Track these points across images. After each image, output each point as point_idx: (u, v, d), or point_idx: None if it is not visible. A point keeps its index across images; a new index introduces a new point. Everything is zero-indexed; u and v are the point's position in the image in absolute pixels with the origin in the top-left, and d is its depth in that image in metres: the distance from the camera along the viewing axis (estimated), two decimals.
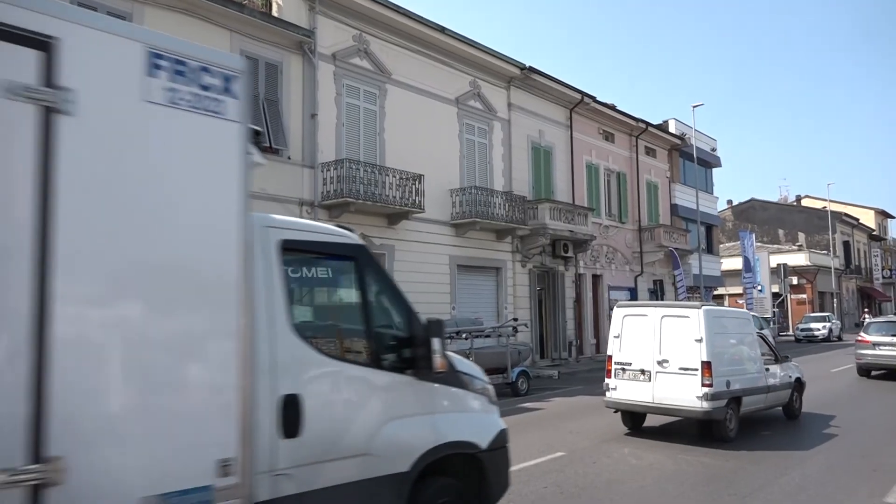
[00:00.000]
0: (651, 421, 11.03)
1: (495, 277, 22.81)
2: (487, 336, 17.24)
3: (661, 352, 10.14)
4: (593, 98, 26.68)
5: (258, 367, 3.64)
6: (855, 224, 62.09)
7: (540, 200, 23.36)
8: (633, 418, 10.95)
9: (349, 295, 4.75)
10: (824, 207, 53.03)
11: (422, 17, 19.48)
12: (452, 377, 4.95)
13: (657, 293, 31.85)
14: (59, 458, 2.84)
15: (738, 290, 39.40)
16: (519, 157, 23.81)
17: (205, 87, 3.47)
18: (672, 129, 33.82)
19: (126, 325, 3.12)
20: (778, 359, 11.98)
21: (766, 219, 59.04)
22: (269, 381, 3.72)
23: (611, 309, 24.36)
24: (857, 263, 61.67)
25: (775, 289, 40.59)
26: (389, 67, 19.05)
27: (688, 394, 9.78)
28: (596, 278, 27.61)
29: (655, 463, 8.66)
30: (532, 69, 23.38)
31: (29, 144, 2.80)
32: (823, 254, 51.76)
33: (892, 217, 78.54)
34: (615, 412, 10.85)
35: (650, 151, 32.29)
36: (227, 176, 3.54)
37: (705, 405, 9.66)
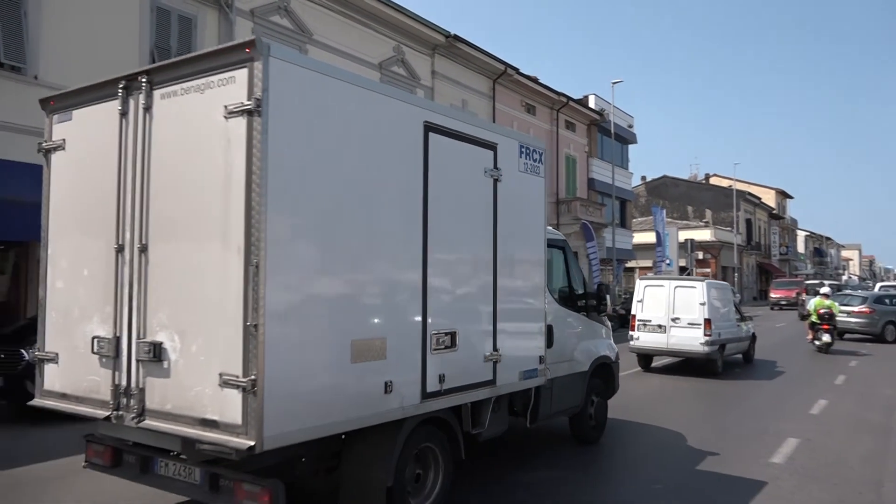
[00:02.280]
0: (657, 362, 15.76)
1: None
2: None
3: (674, 311, 14.58)
4: (517, 70, 26.93)
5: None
6: (757, 203, 65.72)
7: None
8: (647, 360, 15.47)
9: (562, 270, 7.95)
10: (730, 186, 55.87)
11: None
12: (600, 318, 8.48)
13: None
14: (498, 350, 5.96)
15: (649, 263, 41.12)
16: None
17: (534, 161, 6.63)
18: (592, 104, 34.63)
19: (493, 290, 6.03)
20: (743, 318, 16.54)
21: (676, 195, 61.56)
22: (545, 318, 6.65)
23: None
24: (757, 240, 65.48)
25: (682, 263, 42.50)
26: (311, 27, 18.59)
27: (694, 341, 14.22)
28: None
29: (665, 386, 13.31)
30: (457, 37, 23.36)
31: (490, 196, 5.94)
32: (728, 230, 54.58)
33: (790, 197, 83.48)
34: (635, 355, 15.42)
35: (570, 126, 32.94)
36: (540, 206, 6.76)
37: (706, 349, 14.23)
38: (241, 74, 4.00)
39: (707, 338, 14.10)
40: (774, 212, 72.85)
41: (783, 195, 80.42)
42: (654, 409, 10.70)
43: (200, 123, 4.23)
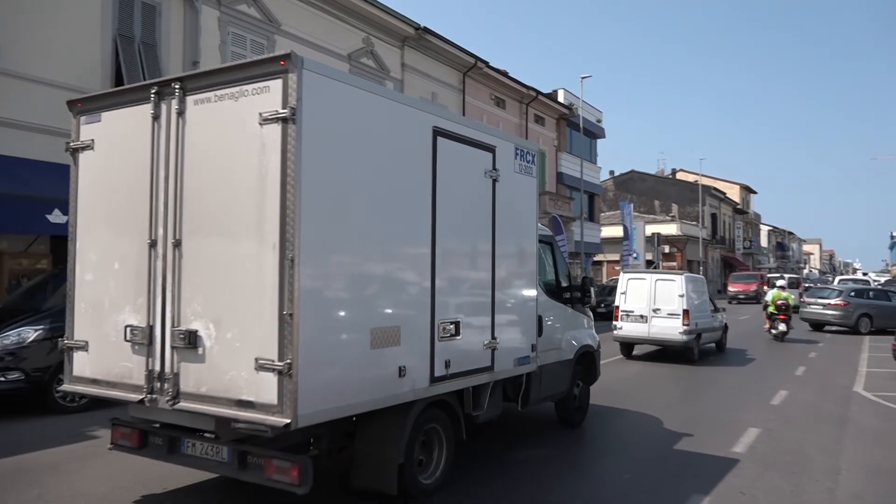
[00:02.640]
0: (637, 351, 17.03)
1: None
2: None
3: (655, 303, 15.73)
4: (486, 63, 27.01)
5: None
6: (722, 198, 66.95)
7: None
8: (629, 348, 16.74)
9: (549, 264, 8.50)
10: (696, 181, 56.70)
11: None
12: (584, 309, 9.10)
13: None
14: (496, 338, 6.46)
15: (616, 256, 41.66)
16: None
17: (528, 162, 7.19)
18: (561, 98, 34.93)
19: (492, 283, 6.54)
20: (717, 310, 17.75)
21: (644, 190, 62.42)
22: (536, 309, 7.25)
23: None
24: (722, 234, 66.76)
25: (649, 256, 43.10)
26: (279, 17, 18.44)
27: (673, 330, 15.44)
28: None
29: (647, 371, 14.64)
30: (427, 30, 23.37)
31: (489, 195, 6.42)
32: (693, 224, 55.52)
33: (754, 192, 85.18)
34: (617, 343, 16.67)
35: (539, 120, 33.14)
36: (533, 204, 7.38)
37: (684, 337, 15.43)
38: (276, 85, 4.44)
39: (685, 327, 15.39)
40: (739, 207, 74.41)
41: (747, 190, 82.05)
42: (634, 394, 11.44)
43: (234, 128, 4.65)
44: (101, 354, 5.29)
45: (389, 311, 5.18)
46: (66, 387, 5.60)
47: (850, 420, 9.76)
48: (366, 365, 4.92)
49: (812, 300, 25.52)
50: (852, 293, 24.93)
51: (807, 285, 41.73)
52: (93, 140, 5.48)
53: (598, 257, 42.38)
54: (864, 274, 68.62)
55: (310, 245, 4.39)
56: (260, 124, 4.47)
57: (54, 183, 12.61)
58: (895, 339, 14.60)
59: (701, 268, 54.73)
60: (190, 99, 4.90)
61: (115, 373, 5.17)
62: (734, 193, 74.31)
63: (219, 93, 4.74)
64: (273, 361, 4.31)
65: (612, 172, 64.67)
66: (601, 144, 45.14)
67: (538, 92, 32.28)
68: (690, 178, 62.75)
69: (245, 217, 4.54)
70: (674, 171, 70.38)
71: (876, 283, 38.58)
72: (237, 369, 4.48)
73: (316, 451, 5.32)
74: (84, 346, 5.41)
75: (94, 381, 5.32)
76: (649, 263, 43.05)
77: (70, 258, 5.59)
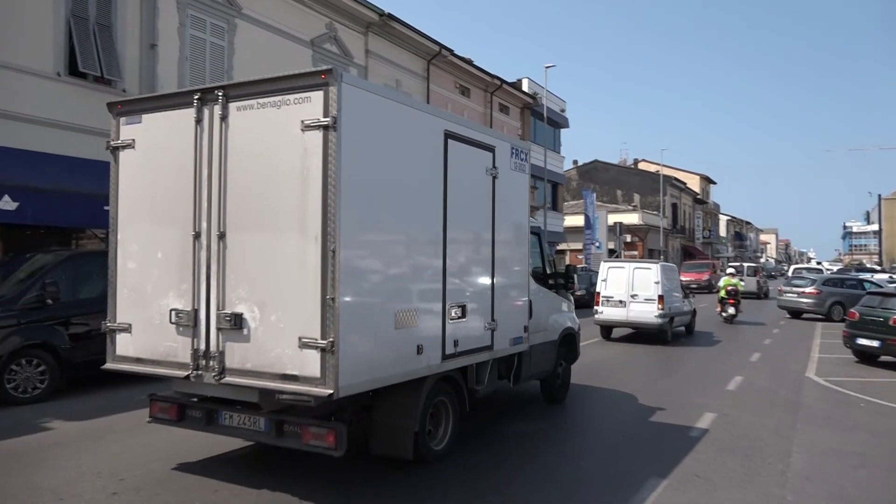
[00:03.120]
0: (615, 334, 18.82)
1: None
2: None
3: (633, 289, 17.39)
4: (451, 51, 27.02)
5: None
6: (683, 188, 68.24)
7: None
8: (608, 331, 18.48)
9: (537, 253, 9.23)
10: (658, 171, 57.58)
11: None
12: (566, 294, 10.07)
13: None
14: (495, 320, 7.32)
15: (579, 245, 42.15)
16: None
17: (521, 160, 7.97)
18: (525, 88, 35.24)
19: (492, 271, 7.33)
20: (686, 296, 19.57)
21: (607, 179, 63.19)
22: (528, 294, 8.19)
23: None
24: (682, 224, 68.13)
25: (611, 245, 43.63)
26: (240, 1, 17.94)
27: (649, 314, 17.18)
28: None
29: (623, 352, 16.17)
30: (391, 16, 23.31)
31: (489, 191, 7.24)
32: (654, 214, 56.47)
33: (714, 183, 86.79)
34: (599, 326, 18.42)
35: (504, 109, 33.26)
36: (525, 198, 8.26)
37: (659, 321, 17.20)
38: (317, 96, 5.12)
39: (660, 311, 17.21)
40: (699, 197, 76.01)
41: (707, 181, 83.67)
42: (607, 375, 12.47)
43: (276, 133, 5.33)
44: (145, 335, 6.00)
45: (410, 295, 6.02)
46: (109, 365, 6.23)
47: (801, 405, 10.16)
48: (391, 343, 5.75)
49: (788, 289, 27.39)
50: (825, 282, 26.62)
51: (770, 273, 43.69)
52: (133, 140, 6.15)
53: (562, 246, 42.88)
54: (818, 263, 70.62)
55: (348, 237, 5.13)
56: (302, 130, 5.17)
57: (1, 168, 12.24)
58: (846, 326, 15.04)
59: (661, 257, 55.67)
60: (233, 105, 5.59)
61: (159, 352, 5.89)
62: (694, 184, 75.79)
63: (261, 101, 5.43)
64: (316, 340, 5.06)
65: (575, 162, 65.42)
66: (565, 134, 45.53)
67: (503, 81, 32.43)
68: (652, 168, 63.87)
69: (288, 213, 5.26)
70: (636, 161, 71.48)
71: (829, 272, 39.70)
72: (281, 347, 5.23)
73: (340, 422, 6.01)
74: (127, 329, 6.10)
75: (139, 360, 6.04)
76: (611, 252, 43.72)
77: (111, 248, 6.30)
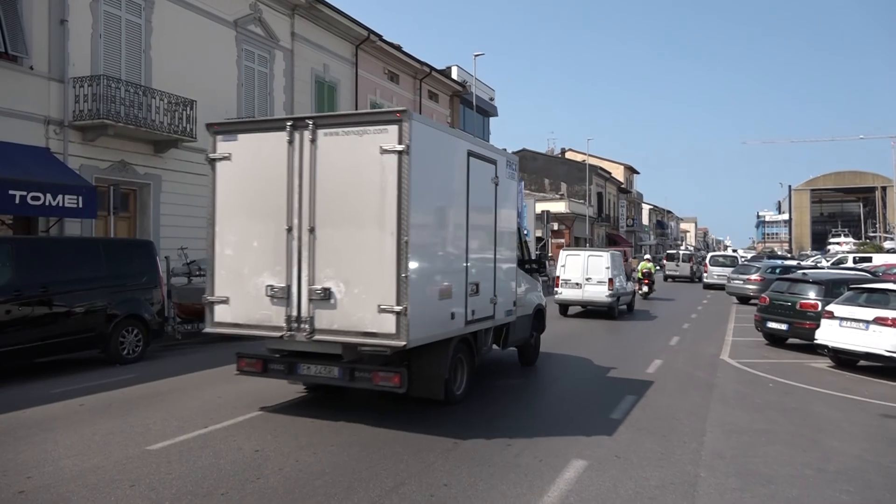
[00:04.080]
0: (571, 311, 22.45)
1: None
2: None
3: (587, 273, 21.10)
4: (379, 36, 27.11)
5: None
6: (608, 177, 70.45)
7: None
8: (565, 309, 22.16)
9: (518, 243, 11.36)
10: (584, 161, 58.75)
11: None
12: (537, 276, 12.63)
13: None
14: (496, 296, 9.61)
15: None
16: (302, 91, 23.53)
17: (512, 169, 10.35)
18: (455, 75, 35.78)
19: (494, 257, 9.59)
20: (630, 279, 24.05)
21: (535, 168, 64.45)
22: (516, 276, 10.75)
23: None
24: (607, 212, 70.48)
25: (539, 233, 44.25)
26: None
27: (601, 294, 20.98)
28: None
29: (581, 324, 19.91)
30: None
31: (493, 195, 9.55)
32: (581, 203, 58.14)
33: (637, 172, 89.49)
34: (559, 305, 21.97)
35: (433, 96, 33.42)
36: (514, 199, 10.70)
37: (609, 300, 21.06)
38: (393, 129, 7.17)
39: (610, 292, 21.08)
40: (623, 186, 78.81)
41: (631, 170, 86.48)
42: (566, 344, 15.13)
43: (358, 154, 7.33)
44: (242, 306, 7.97)
45: (447, 275, 8.20)
46: (209, 329, 8.15)
47: (715, 385, 10.77)
48: (436, 310, 7.93)
49: (735, 276, 30.85)
50: (769, 270, 29.46)
51: (700, 260, 47.71)
52: (230, 153, 8.08)
53: None
54: (734, 251, 73.83)
55: (415, 232, 7.24)
56: (380, 153, 7.21)
57: None
58: (757, 311, 15.80)
59: (587, 244, 57.11)
60: (320, 131, 7.57)
61: (255, 318, 7.89)
62: (619, 173, 78.31)
63: (345, 129, 7.47)
64: (392, 306, 7.14)
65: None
66: (494, 123, 45.87)
67: (432, 68, 32.64)
68: (578, 157, 65.81)
69: (368, 213, 7.30)
70: (563, 151, 73.29)
71: (742, 259, 41.87)
72: (363, 312, 7.30)
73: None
74: (225, 301, 8.06)
75: (236, 325, 8.02)
76: (539, 240, 44.33)
77: (209, 238, 8.23)
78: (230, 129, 8.15)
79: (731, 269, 36.00)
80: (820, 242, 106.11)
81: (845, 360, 12.75)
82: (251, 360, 8.23)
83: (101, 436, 7.33)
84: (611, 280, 20.79)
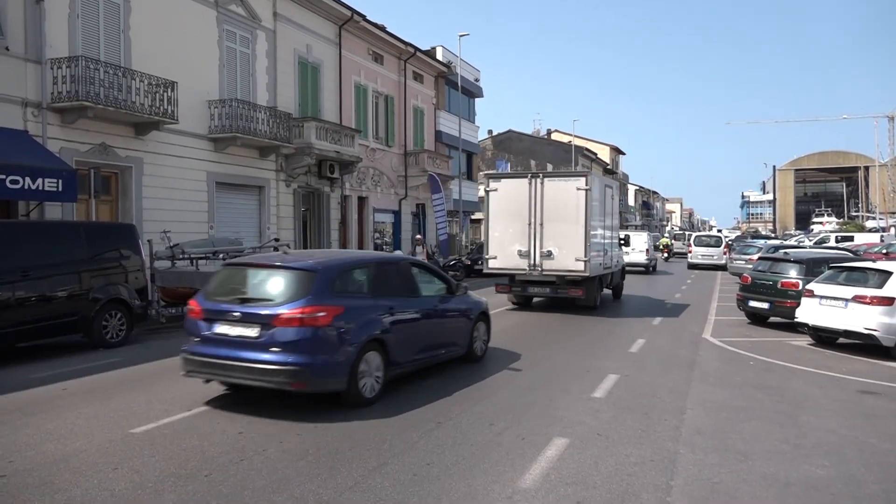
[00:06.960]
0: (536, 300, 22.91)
1: (258, 196, 22.87)
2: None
3: (632, 245, 32.61)
4: (363, 16, 26.93)
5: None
6: (594, 158, 70.73)
7: (306, 118, 23.63)
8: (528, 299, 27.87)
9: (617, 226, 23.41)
10: (570, 142, 58.69)
11: None
12: (622, 248, 22.95)
13: (419, 216, 33.15)
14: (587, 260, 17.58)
15: None
16: (285, 72, 23.37)
17: (614, 190, 21.06)
18: (440, 56, 35.46)
19: (611, 239, 20.21)
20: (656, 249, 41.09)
21: (521, 149, 64.40)
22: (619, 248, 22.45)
23: (375, 231, 26.68)
24: None
25: None
26: None
27: (641, 257, 34.15)
28: (362, 200, 28.51)
29: (562, 307, 18.50)
30: None
31: (611, 206, 19.92)
32: None
33: (623, 154, 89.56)
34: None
35: (418, 77, 33.23)
36: (617, 206, 21.97)
37: (646, 261, 34.63)
38: (582, 179, 17.03)
39: (648, 257, 34.51)
40: (609, 167, 78.64)
41: (617, 151, 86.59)
42: (549, 327, 14.77)
43: (566, 190, 16.85)
44: (504, 259, 17.39)
45: (599, 245, 17.58)
46: (487, 270, 17.76)
47: (697, 364, 10.93)
48: (596, 261, 17.32)
49: (738, 257, 33.06)
50: (770, 250, 29.20)
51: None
52: (497, 188, 17.65)
53: (477, 215, 43.29)
54: (719, 231, 74.37)
55: (589, 226, 16.63)
56: (577, 190, 16.74)
57: None
58: (739, 290, 15.99)
59: None
60: (546, 179, 17.19)
61: (511, 265, 17.35)
62: (605, 154, 78.46)
63: (560, 178, 17.42)
64: (581, 257, 16.56)
65: (490, 132, 66.42)
66: (479, 104, 45.72)
67: (416, 49, 32.43)
68: (565, 138, 65.70)
69: (571, 217, 16.60)
70: (549, 132, 73.23)
71: (727, 239, 42.54)
72: (568, 261, 16.66)
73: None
74: (495, 258, 17.53)
75: (500, 269, 17.57)
76: None
77: (485, 230, 18.20)
78: (496, 176, 18.39)
79: (715, 248, 39.02)
80: (804, 222, 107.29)
81: (825, 337, 12.98)
82: (503, 287, 17.84)
83: (84, 419, 7.34)
84: (647, 249, 33.87)
